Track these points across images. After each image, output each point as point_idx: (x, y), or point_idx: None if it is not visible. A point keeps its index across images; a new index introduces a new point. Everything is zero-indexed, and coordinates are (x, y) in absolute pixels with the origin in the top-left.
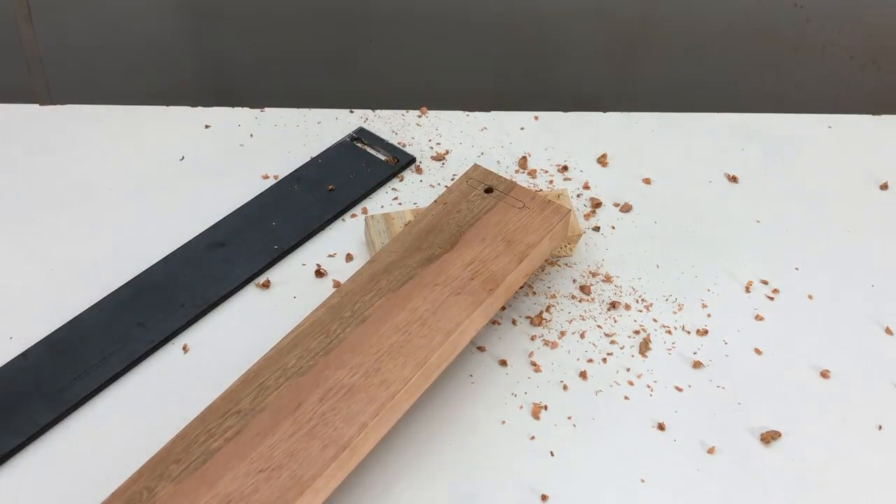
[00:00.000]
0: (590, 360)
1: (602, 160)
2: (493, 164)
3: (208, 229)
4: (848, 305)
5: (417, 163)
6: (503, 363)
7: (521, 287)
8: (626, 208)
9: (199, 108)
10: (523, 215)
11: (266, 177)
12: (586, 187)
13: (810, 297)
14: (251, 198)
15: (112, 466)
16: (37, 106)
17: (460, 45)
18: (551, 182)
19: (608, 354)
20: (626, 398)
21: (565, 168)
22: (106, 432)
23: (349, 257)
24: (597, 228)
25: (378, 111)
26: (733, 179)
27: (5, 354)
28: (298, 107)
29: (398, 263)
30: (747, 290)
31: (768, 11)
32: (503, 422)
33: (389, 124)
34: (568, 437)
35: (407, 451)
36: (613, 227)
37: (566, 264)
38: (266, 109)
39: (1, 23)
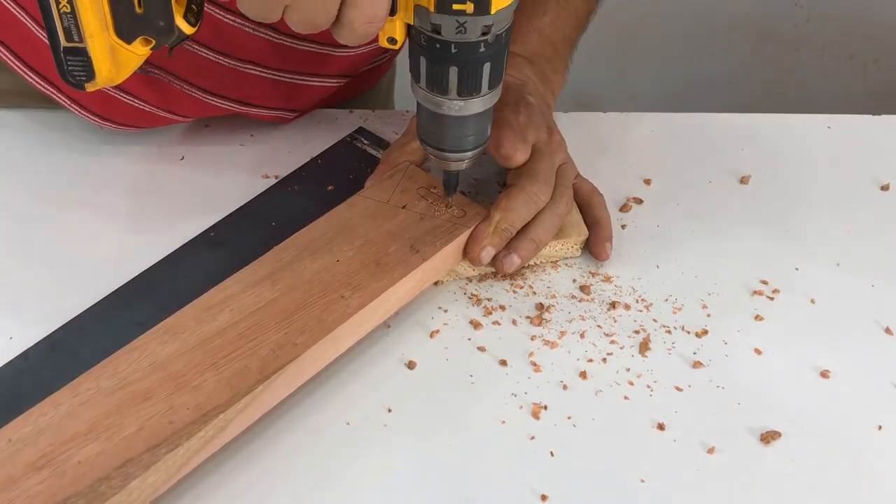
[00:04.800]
0: (590, 360)
1: (602, 160)
2: (494, 164)
3: (208, 229)
4: (848, 305)
5: None
6: (503, 363)
7: (521, 287)
8: (625, 208)
9: None
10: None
11: (266, 177)
12: None
13: (811, 297)
14: (251, 198)
15: None
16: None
17: None
18: None
19: (608, 354)
20: (626, 398)
21: None
22: None
23: None
24: None
25: (378, 111)
26: (733, 179)
27: (5, 354)
28: None
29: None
30: (747, 290)
31: (768, 11)
32: (503, 422)
33: (389, 124)
34: (568, 437)
35: (406, 451)
36: (613, 227)
37: (566, 264)
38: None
39: None
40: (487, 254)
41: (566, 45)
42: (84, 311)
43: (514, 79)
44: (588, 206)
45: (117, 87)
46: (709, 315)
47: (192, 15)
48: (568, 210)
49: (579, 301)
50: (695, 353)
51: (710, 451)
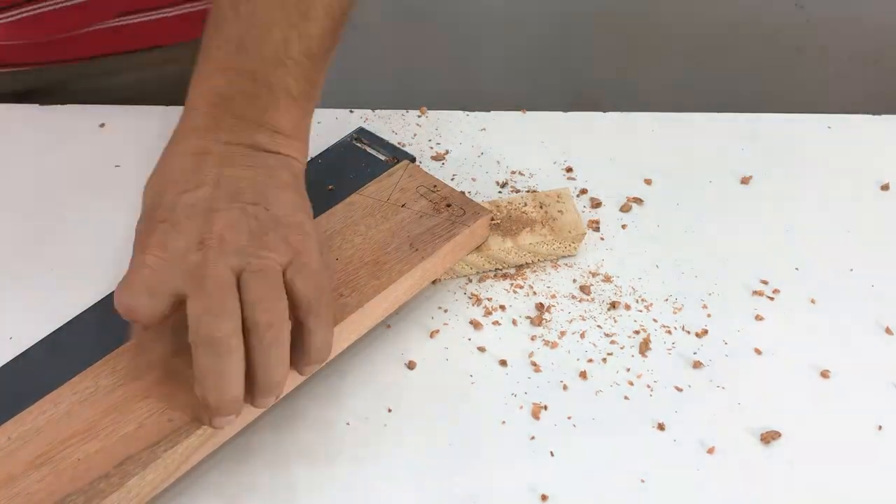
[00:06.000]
0: (590, 360)
1: (602, 160)
2: (493, 164)
3: None
4: (848, 305)
5: (417, 163)
6: (503, 363)
7: (521, 287)
8: (626, 208)
9: None
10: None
11: None
12: (586, 187)
13: (811, 297)
14: None
15: None
16: (37, 106)
17: (460, 45)
18: (551, 182)
19: (608, 354)
20: (626, 398)
21: (566, 168)
22: None
23: None
24: (597, 228)
25: (378, 111)
26: (733, 180)
27: (5, 354)
28: None
29: None
30: (747, 290)
31: (769, 12)
32: (503, 422)
33: (389, 124)
34: (568, 437)
35: (406, 451)
36: (613, 227)
37: (566, 264)
38: None
39: None
40: (219, 425)
41: (275, 68)
42: (84, 311)
43: (183, 159)
44: (301, 313)
45: None
46: (709, 315)
47: None
48: (281, 329)
49: (579, 301)
50: (695, 353)
51: (710, 451)
